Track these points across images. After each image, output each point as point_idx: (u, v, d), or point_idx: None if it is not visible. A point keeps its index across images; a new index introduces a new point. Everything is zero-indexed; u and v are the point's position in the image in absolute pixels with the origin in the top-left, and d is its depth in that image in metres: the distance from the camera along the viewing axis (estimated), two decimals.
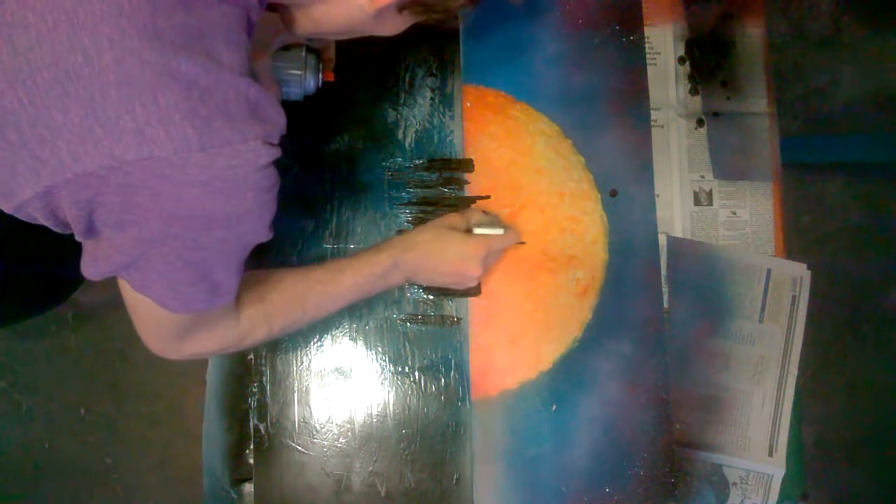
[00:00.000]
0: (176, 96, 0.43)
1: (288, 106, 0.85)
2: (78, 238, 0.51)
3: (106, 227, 0.48)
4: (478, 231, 0.78)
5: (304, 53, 0.74)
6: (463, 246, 0.76)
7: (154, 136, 0.43)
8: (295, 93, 0.76)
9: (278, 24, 0.68)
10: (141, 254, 0.49)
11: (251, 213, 0.50)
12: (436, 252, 0.76)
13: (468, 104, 0.87)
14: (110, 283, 0.57)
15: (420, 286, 0.82)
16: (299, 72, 0.74)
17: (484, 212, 0.83)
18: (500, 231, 0.78)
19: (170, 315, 0.56)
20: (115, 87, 0.42)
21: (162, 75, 0.43)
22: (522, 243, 0.83)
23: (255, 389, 0.81)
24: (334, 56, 0.78)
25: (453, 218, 0.79)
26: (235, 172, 0.46)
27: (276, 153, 0.48)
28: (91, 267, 0.52)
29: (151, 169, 0.44)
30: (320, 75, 0.76)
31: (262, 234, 0.53)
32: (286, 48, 0.75)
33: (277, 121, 0.49)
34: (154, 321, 0.59)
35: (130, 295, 0.55)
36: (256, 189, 0.48)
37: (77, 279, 1.06)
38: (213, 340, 0.64)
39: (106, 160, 0.43)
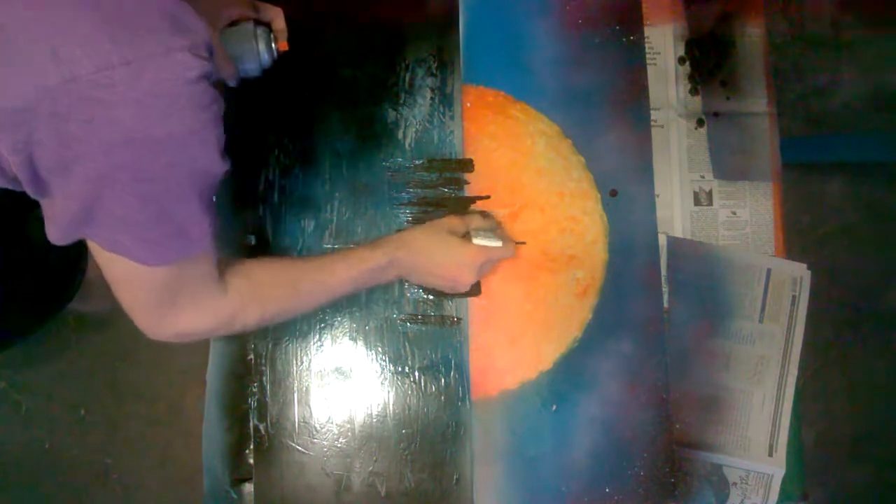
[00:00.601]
0: (88, 13, 0.42)
1: (288, 105, 0.86)
2: (30, 193, 0.50)
3: (51, 173, 0.47)
4: (477, 241, 0.78)
5: (252, 26, 0.73)
6: (461, 253, 0.76)
7: (70, 55, 0.42)
8: (252, 68, 0.75)
9: (220, 0, 0.68)
10: (94, 196, 0.48)
11: (194, 134, 0.48)
12: (433, 255, 0.76)
13: (468, 104, 0.87)
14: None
15: (418, 286, 0.82)
16: (252, 46, 0.73)
17: (483, 215, 0.83)
18: (498, 243, 0.78)
19: (147, 276, 0.55)
20: (27, 15, 0.41)
21: None
22: (522, 243, 0.83)
23: (255, 389, 0.81)
24: (284, 26, 0.77)
25: (453, 221, 0.79)
26: (165, 87, 0.44)
27: (206, 66, 0.47)
28: (54, 229, 0.51)
29: (77, 92, 0.42)
30: (274, 46, 0.76)
31: (215, 163, 0.51)
32: (233, 24, 0.74)
33: (200, 31, 0.47)
34: (133, 287, 0.58)
35: (106, 263, 0.54)
36: (193, 105, 0.47)
37: (70, 288, 1.07)
38: (201, 314, 0.63)
39: (29, 91, 0.42)
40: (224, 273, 0.65)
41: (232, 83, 0.78)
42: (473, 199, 0.84)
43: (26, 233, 0.83)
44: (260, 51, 0.74)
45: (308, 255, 0.83)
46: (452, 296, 0.82)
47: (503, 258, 0.81)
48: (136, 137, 0.45)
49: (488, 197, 0.85)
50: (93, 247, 0.54)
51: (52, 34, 0.41)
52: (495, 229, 0.82)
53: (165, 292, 0.59)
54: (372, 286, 0.77)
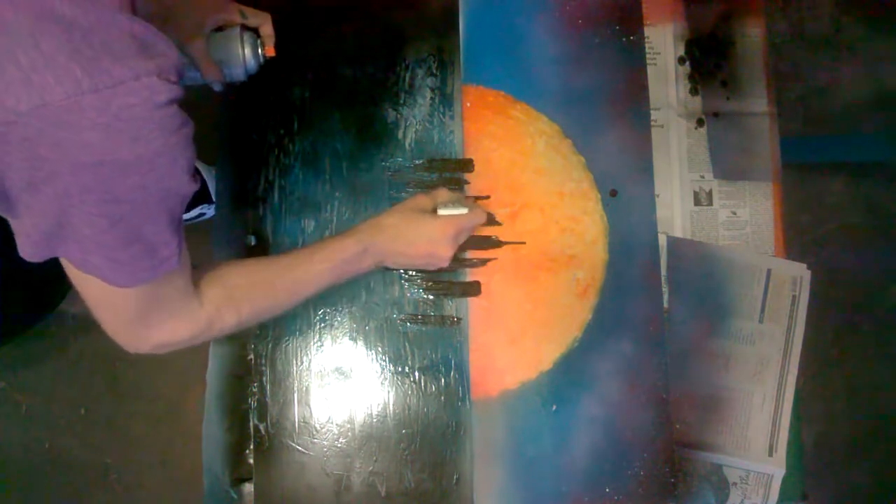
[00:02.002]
0: (57, 39, 0.42)
1: (288, 105, 0.86)
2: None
3: (21, 191, 0.47)
4: (442, 212, 0.78)
5: (238, 32, 0.74)
6: (431, 228, 0.76)
7: (43, 82, 0.42)
8: (237, 73, 0.76)
9: (207, 4, 0.67)
10: (61, 212, 0.48)
11: (162, 156, 0.48)
12: (404, 235, 0.76)
13: (468, 104, 0.87)
14: None
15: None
16: (238, 51, 0.74)
17: (450, 188, 0.83)
18: (463, 210, 0.78)
19: (122, 295, 0.55)
20: None
21: (39, 19, 0.42)
22: (523, 243, 0.83)
23: (255, 389, 0.81)
24: (272, 31, 0.78)
25: (420, 199, 0.79)
26: (134, 112, 0.45)
27: (175, 90, 0.47)
28: (26, 246, 0.51)
29: (47, 117, 0.43)
30: (261, 52, 0.76)
31: (183, 183, 0.51)
32: (220, 29, 0.74)
33: (169, 55, 0.48)
34: (109, 306, 0.58)
35: (82, 284, 0.55)
36: (161, 129, 0.47)
37: (59, 291, 1.07)
38: (178, 327, 0.63)
39: (0, 115, 0.42)
40: (198, 283, 0.65)
41: (217, 88, 0.78)
42: (474, 200, 0.84)
43: (11, 235, 0.83)
44: (246, 56, 0.74)
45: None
46: (457, 294, 0.82)
47: (477, 225, 0.81)
48: (104, 160, 0.46)
49: (488, 197, 0.85)
50: (67, 267, 0.54)
51: (23, 61, 0.42)
52: (462, 199, 0.82)
53: (140, 310, 0.59)
54: (352, 276, 0.76)
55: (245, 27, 0.75)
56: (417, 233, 0.76)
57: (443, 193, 0.81)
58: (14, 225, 0.51)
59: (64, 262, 0.54)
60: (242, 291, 0.68)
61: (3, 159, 0.45)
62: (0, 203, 0.49)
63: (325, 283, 0.73)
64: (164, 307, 0.61)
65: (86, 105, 0.43)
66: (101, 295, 0.57)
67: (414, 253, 0.77)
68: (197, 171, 0.53)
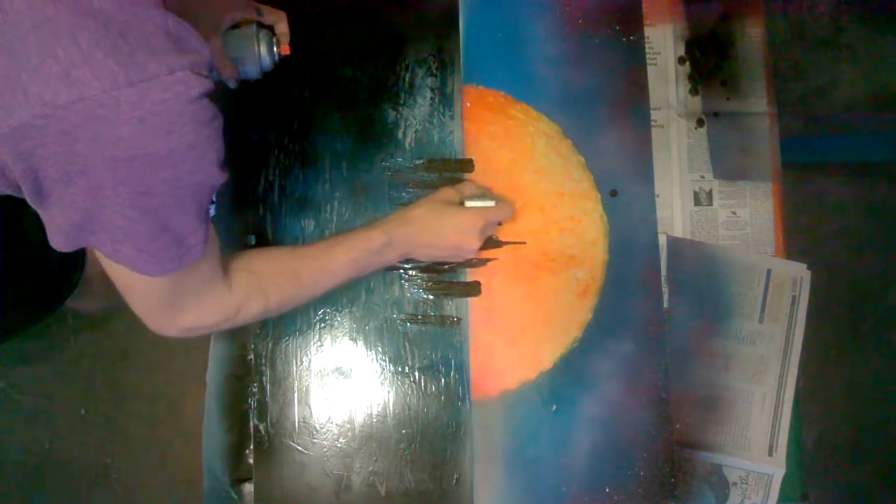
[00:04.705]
0: (95, 34, 0.43)
1: (288, 105, 0.86)
2: (31, 202, 0.51)
3: (55, 183, 0.48)
4: (470, 204, 0.78)
5: (255, 30, 0.74)
6: (459, 219, 0.76)
7: (80, 76, 0.42)
8: (252, 71, 0.76)
9: (225, 2, 0.67)
10: (94, 204, 0.49)
11: (194, 148, 0.49)
12: (432, 226, 0.76)
13: (468, 104, 0.87)
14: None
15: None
16: (253, 49, 0.74)
17: (475, 183, 0.83)
18: (491, 203, 0.79)
19: (151, 283, 0.56)
20: (31, 32, 0.42)
21: (77, 14, 0.42)
22: (523, 243, 0.83)
23: (255, 389, 0.81)
24: (287, 29, 0.78)
25: (447, 192, 0.79)
26: (168, 106, 0.45)
27: (207, 84, 0.48)
28: (56, 236, 0.52)
29: (85, 111, 0.43)
30: (276, 50, 0.76)
31: (213, 174, 0.52)
32: (236, 27, 0.75)
33: (201, 50, 0.49)
34: (140, 293, 0.59)
35: (112, 270, 0.56)
36: (194, 122, 0.48)
37: (67, 285, 1.07)
38: (206, 311, 0.64)
39: (38, 108, 0.43)
40: (227, 269, 0.66)
41: (232, 85, 0.79)
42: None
43: (23, 229, 0.83)
44: (261, 54, 0.74)
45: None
46: (457, 295, 0.82)
47: (503, 219, 0.82)
48: (139, 154, 0.46)
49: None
50: (100, 256, 0.55)
51: (62, 56, 0.42)
52: (489, 193, 0.82)
53: (168, 296, 0.60)
54: (376, 268, 0.77)
55: (261, 25, 0.75)
56: (446, 224, 0.76)
57: (469, 186, 0.81)
58: (44, 216, 0.52)
59: (97, 252, 0.55)
60: (269, 280, 0.68)
61: (38, 152, 0.45)
62: (33, 195, 0.49)
63: (350, 273, 0.74)
64: (192, 293, 0.62)
65: (122, 99, 0.44)
66: (130, 281, 0.58)
67: (441, 244, 0.77)
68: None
